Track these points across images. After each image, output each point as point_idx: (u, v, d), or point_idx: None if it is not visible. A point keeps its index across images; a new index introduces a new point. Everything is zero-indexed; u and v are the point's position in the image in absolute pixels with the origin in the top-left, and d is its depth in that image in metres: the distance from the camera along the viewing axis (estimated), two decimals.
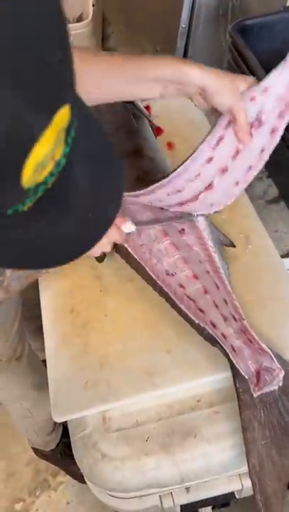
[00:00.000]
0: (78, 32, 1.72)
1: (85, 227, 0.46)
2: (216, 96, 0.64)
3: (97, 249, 0.77)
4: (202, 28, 1.21)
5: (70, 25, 1.76)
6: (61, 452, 1.35)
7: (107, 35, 2.09)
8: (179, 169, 0.71)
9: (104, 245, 0.76)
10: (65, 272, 0.89)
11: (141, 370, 0.76)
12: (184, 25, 1.19)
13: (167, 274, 0.79)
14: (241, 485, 0.78)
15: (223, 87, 0.63)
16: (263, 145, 0.69)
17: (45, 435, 1.26)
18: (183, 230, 0.82)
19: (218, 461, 0.71)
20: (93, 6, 1.78)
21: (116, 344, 0.80)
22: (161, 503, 0.78)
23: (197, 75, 0.63)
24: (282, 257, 0.92)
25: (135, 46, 1.55)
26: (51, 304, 0.86)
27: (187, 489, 0.79)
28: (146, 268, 0.80)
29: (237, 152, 0.69)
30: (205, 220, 0.82)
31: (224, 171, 0.71)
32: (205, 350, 0.76)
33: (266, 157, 0.70)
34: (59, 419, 0.74)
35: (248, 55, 1.02)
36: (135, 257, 0.82)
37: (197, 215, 0.82)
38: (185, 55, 1.26)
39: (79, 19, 1.92)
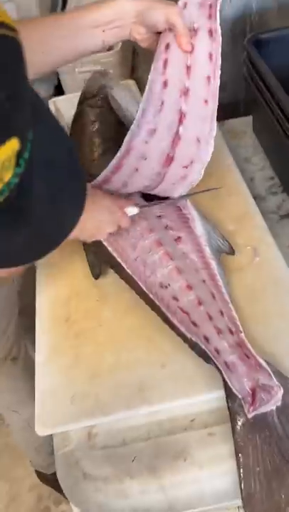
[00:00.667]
0: (107, 60, 1.77)
1: (38, 240, 0.49)
2: (151, 13, 0.69)
3: (105, 227, 0.76)
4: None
5: (100, 54, 1.82)
6: None
7: (136, 66, 2.14)
8: (141, 105, 0.72)
9: (109, 225, 0.75)
10: (63, 280, 0.86)
11: (132, 384, 0.71)
12: None
13: (161, 286, 0.75)
14: None
15: (154, 2, 0.70)
16: (208, 50, 0.73)
17: (46, 454, 1.21)
18: (179, 238, 0.78)
19: (210, 489, 0.64)
20: None
21: (108, 356, 0.75)
22: None
23: (131, 2, 0.69)
24: None
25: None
26: (46, 313, 0.83)
27: None
28: (139, 282, 0.77)
29: (188, 68, 0.71)
30: (202, 226, 0.79)
31: (186, 92, 0.71)
32: (202, 366, 0.70)
33: (219, 62, 0.74)
34: (42, 432, 0.70)
35: (262, 68, 1.00)
36: (128, 271, 0.78)
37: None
38: None
39: (109, 48, 1.98)
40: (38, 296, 0.85)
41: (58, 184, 0.48)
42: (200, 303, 0.72)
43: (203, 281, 0.74)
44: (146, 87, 0.71)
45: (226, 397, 0.65)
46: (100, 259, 0.84)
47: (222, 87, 1.30)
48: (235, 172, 0.98)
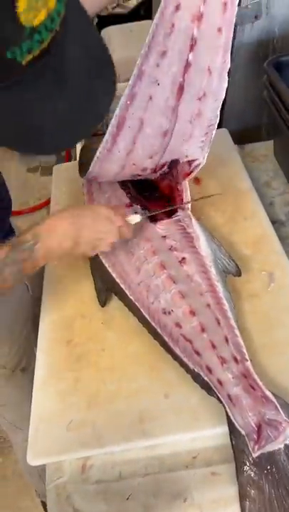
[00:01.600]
0: None
1: (77, 111, 0.49)
2: None
3: (107, 237, 0.73)
4: (241, 70, 1.19)
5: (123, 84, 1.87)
6: None
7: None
8: (151, 29, 0.68)
9: (110, 235, 0.72)
10: (69, 301, 0.83)
11: (132, 414, 0.67)
12: None
13: (164, 312, 0.71)
14: None
15: None
16: None
17: None
18: (184, 259, 0.75)
19: None
20: None
21: (109, 383, 0.71)
22: None
23: None
24: None
25: None
26: (48, 334, 0.80)
27: None
28: (142, 310, 0.73)
29: None
30: (208, 245, 0.75)
31: (199, 18, 0.67)
32: (208, 398, 0.65)
33: None
34: (34, 462, 0.65)
35: (283, 90, 0.97)
36: (131, 298, 0.75)
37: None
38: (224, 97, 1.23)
39: None
40: (42, 316, 0.82)
41: (94, 58, 0.50)
42: (203, 329, 0.67)
43: (208, 305, 0.69)
44: (158, 11, 0.67)
45: (230, 434, 0.59)
46: (105, 286, 0.82)
47: (243, 111, 1.29)
48: (253, 195, 0.95)
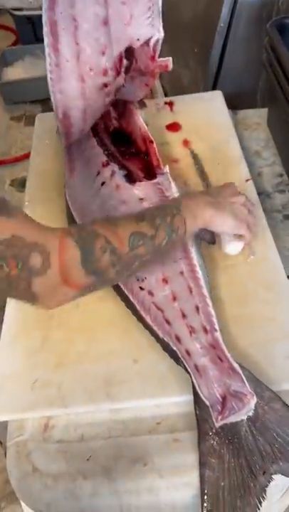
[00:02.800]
0: None
1: None
2: None
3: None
4: (243, 28, 1.13)
5: None
6: None
7: None
8: None
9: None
10: None
11: (99, 376, 0.66)
12: (222, 24, 1.12)
13: (137, 279, 0.69)
14: None
15: None
16: None
17: None
18: None
19: (168, 500, 0.59)
20: None
21: (79, 343, 0.70)
22: None
23: None
24: None
25: (176, 50, 1.49)
26: None
27: None
28: None
29: None
30: None
31: None
32: (177, 367, 0.65)
33: None
34: None
35: (283, 54, 0.92)
36: None
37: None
38: (222, 56, 1.18)
39: None
40: None
41: None
42: (175, 298, 0.66)
43: (181, 272, 0.68)
44: None
45: (194, 404, 0.59)
46: None
47: (240, 74, 1.23)
48: (243, 165, 0.92)
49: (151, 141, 0.80)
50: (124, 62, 0.78)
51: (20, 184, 2.06)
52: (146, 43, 0.77)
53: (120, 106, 0.85)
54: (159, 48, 0.78)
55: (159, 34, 0.77)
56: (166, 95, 1.70)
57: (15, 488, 0.62)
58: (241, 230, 0.72)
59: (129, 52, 0.77)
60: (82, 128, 0.84)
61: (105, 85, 0.78)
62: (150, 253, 0.58)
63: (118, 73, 0.78)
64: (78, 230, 0.53)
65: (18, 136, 2.31)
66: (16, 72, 2.45)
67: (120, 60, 0.77)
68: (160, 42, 0.77)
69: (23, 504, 0.66)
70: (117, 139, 0.88)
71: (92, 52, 0.74)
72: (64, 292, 0.51)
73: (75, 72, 0.74)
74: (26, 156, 2.15)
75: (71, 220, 0.81)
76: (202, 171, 0.91)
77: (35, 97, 2.34)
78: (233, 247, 0.77)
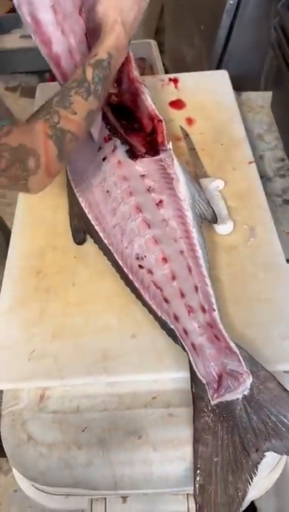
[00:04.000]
0: None
1: None
2: None
3: None
4: (252, 8, 1.11)
5: None
6: None
7: (161, 28, 2.04)
8: None
9: None
10: (41, 231, 0.80)
11: (96, 350, 0.66)
12: (232, 2, 1.09)
13: (137, 258, 0.69)
14: (188, 507, 0.66)
15: None
16: None
17: None
18: (161, 201, 0.72)
19: (160, 473, 0.60)
20: None
21: (76, 317, 0.70)
22: (91, 508, 0.67)
23: None
24: (288, 261, 0.80)
25: (182, 28, 1.46)
26: (18, 262, 0.77)
27: (124, 499, 0.67)
28: (115, 255, 0.71)
29: None
30: (187, 189, 0.72)
31: None
32: (174, 344, 0.65)
33: None
34: None
35: None
36: (105, 241, 0.72)
37: None
38: (229, 35, 1.16)
39: None
40: (12, 243, 0.79)
41: None
42: (174, 277, 0.66)
43: (181, 251, 0.68)
44: None
45: (191, 381, 0.60)
46: (82, 225, 0.78)
47: (245, 54, 1.22)
48: (246, 146, 0.91)
49: (160, 120, 0.79)
50: None
51: None
52: None
53: (125, 83, 0.83)
54: None
55: None
56: (166, 73, 1.68)
57: (9, 455, 0.63)
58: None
59: None
60: (67, 53, 0.77)
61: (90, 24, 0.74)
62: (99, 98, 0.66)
63: None
64: (53, 128, 0.61)
65: (14, 108, 2.24)
66: (12, 41, 2.38)
67: None
68: None
69: (15, 472, 0.67)
70: (121, 113, 0.86)
71: None
72: (46, 182, 0.63)
73: None
74: None
75: (71, 192, 0.80)
76: (196, 157, 0.90)
77: (32, 68, 2.28)
78: (223, 227, 0.78)
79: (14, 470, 0.67)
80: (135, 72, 0.82)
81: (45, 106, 0.63)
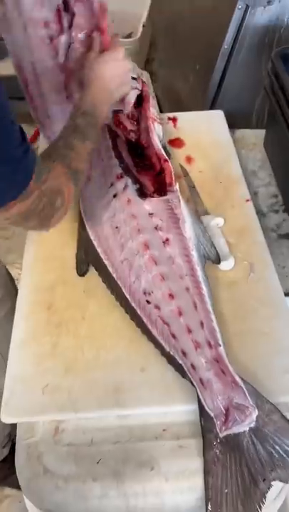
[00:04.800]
0: (125, 47, 1.73)
1: None
2: None
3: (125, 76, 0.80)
4: (245, 52, 1.18)
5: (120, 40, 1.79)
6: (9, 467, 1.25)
7: (151, 59, 2.12)
8: None
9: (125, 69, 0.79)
10: (51, 266, 0.83)
11: (108, 384, 0.69)
12: (226, 46, 1.16)
13: (144, 293, 0.73)
14: None
15: None
16: None
17: None
18: (168, 240, 0.76)
19: (172, 503, 0.63)
20: (144, 26, 1.81)
21: (87, 351, 0.73)
22: None
23: None
24: (286, 295, 0.84)
25: (176, 63, 1.53)
26: (29, 297, 0.79)
27: None
28: (123, 289, 0.75)
29: None
30: (192, 229, 0.77)
31: None
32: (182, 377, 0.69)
33: None
34: (8, 420, 0.67)
35: (287, 82, 0.98)
36: (113, 276, 0.76)
37: None
38: (223, 76, 1.23)
39: (128, 37, 1.95)
40: (23, 279, 0.82)
41: None
42: (180, 313, 0.70)
43: (187, 288, 0.72)
44: None
45: (200, 414, 0.63)
46: (88, 257, 0.82)
47: (238, 94, 1.29)
48: (243, 184, 0.97)
49: (166, 160, 0.83)
50: (64, 14, 0.78)
51: None
52: None
53: (138, 120, 0.89)
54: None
55: None
56: (159, 106, 1.74)
57: (23, 486, 0.65)
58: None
59: (66, 4, 0.77)
60: (39, 90, 0.84)
61: (50, 39, 0.79)
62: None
63: (62, 28, 0.79)
64: (69, 168, 0.67)
65: None
66: (6, 67, 2.43)
67: (59, 13, 0.77)
68: None
69: (27, 502, 0.69)
70: (135, 149, 0.91)
71: (31, 3, 0.74)
72: (63, 217, 0.68)
73: (19, 22, 0.75)
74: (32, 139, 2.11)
75: (81, 225, 0.84)
76: (196, 195, 0.95)
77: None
78: (225, 264, 0.82)
79: (27, 501, 0.68)
80: (152, 110, 0.87)
81: (53, 150, 0.69)
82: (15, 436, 0.70)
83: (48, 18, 0.76)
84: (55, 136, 0.72)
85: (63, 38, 0.79)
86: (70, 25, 0.79)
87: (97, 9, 0.78)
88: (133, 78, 0.92)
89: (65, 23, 0.79)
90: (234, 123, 1.20)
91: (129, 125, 0.90)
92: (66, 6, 0.77)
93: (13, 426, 0.70)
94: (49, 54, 0.80)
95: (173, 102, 1.59)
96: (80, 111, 0.72)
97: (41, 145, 1.00)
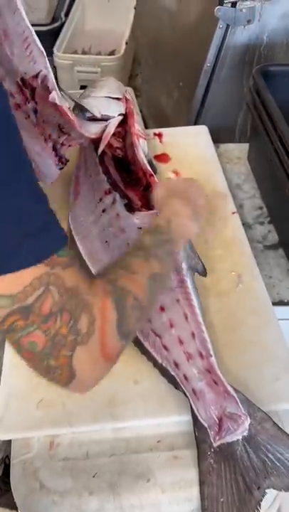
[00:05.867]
0: (108, 64, 1.76)
1: None
2: None
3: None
4: (227, 69, 1.21)
5: (102, 57, 1.82)
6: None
7: (135, 74, 2.16)
8: None
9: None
10: None
11: (102, 397, 0.70)
12: (208, 64, 1.20)
13: None
14: None
15: None
16: None
17: None
18: None
19: None
20: (126, 43, 1.85)
21: None
22: None
23: None
24: (274, 304, 0.86)
25: (159, 81, 1.56)
26: None
27: None
28: None
29: None
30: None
31: None
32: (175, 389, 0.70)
33: None
34: (3, 436, 0.67)
35: (267, 98, 1.01)
36: None
37: None
38: (206, 93, 1.26)
39: (111, 54, 1.99)
40: None
41: None
42: (172, 325, 0.71)
43: (178, 300, 0.73)
44: None
45: (193, 425, 0.64)
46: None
47: (220, 110, 1.32)
48: (229, 199, 0.99)
49: (152, 175, 0.85)
50: (25, 90, 0.78)
51: None
52: (35, 77, 0.77)
53: (124, 137, 0.90)
54: (50, 82, 0.77)
55: (45, 70, 0.76)
56: (144, 122, 1.77)
57: (19, 504, 0.65)
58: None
59: (24, 82, 0.78)
60: None
61: (18, 106, 0.80)
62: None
63: (26, 99, 0.79)
64: (113, 286, 0.48)
65: None
66: None
67: (20, 88, 0.79)
68: (48, 77, 0.77)
69: None
70: (122, 164, 0.92)
71: None
72: (101, 366, 0.46)
73: None
74: None
75: (72, 243, 0.85)
76: None
77: None
78: None
79: None
80: (136, 126, 0.89)
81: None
82: (6, 456, 0.70)
83: (13, 90, 0.78)
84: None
85: (30, 106, 0.80)
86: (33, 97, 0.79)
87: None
88: (117, 98, 0.94)
89: (28, 95, 0.79)
90: (218, 138, 1.23)
91: (115, 142, 0.91)
92: (24, 83, 0.77)
93: (7, 445, 0.70)
94: (22, 117, 0.81)
95: (158, 118, 1.62)
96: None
97: None
